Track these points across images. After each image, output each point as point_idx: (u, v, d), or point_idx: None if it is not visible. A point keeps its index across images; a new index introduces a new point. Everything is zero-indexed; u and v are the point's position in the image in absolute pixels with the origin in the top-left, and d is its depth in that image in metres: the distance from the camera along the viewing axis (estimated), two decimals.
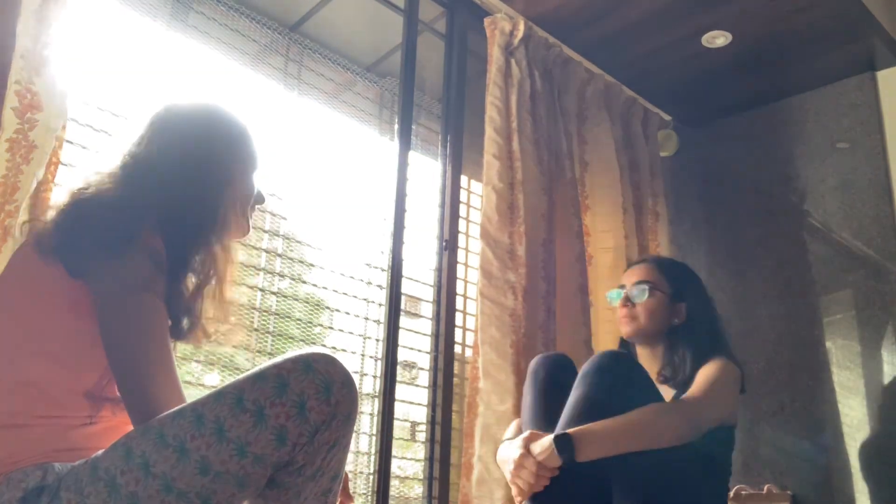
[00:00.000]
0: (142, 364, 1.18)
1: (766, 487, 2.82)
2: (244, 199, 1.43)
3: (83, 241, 1.20)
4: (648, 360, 2.08)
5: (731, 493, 2.80)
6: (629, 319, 2.08)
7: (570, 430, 1.67)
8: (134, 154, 1.33)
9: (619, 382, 1.76)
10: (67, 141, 1.80)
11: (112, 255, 1.19)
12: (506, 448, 1.82)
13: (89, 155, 1.87)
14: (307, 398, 1.11)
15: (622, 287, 2.14)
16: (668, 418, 1.73)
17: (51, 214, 1.27)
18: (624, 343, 2.20)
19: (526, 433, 1.76)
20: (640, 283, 2.09)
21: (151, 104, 1.42)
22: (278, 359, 1.14)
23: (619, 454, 1.67)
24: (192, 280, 1.32)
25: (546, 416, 1.83)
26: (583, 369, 1.80)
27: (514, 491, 1.75)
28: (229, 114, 1.44)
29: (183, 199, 1.30)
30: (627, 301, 2.09)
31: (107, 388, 1.24)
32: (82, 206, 1.24)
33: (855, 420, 2.82)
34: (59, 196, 1.33)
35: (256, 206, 1.48)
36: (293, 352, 1.16)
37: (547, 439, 1.68)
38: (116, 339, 1.18)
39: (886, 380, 2.82)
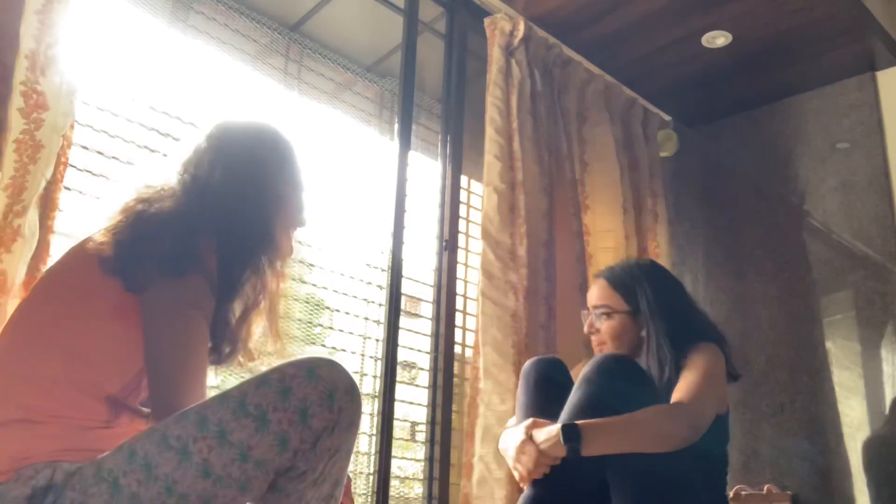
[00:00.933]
0: (177, 377, 1.19)
1: (766, 487, 2.82)
2: (292, 221, 1.46)
3: (146, 260, 1.22)
4: None
5: (731, 493, 2.80)
6: (599, 347, 2.02)
7: (578, 422, 1.66)
8: (193, 174, 1.34)
9: (621, 384, 1.73)
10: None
11: (172, 273, 1.21)
12: (508, 434, 1.82)
13: (92, 157, 1.87)
14: (310, 405, 1.11)
15: (587, 310, 2.07)
16: (670, 423, 1.70)
17: (108, 226, 1.27)
18: None
19: (528, 421, 1.75)
20: (598, 307, 2.03)
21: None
22: (281, 364, 1.15)
23: (620, 453, 1.66)
24: (238, 305, 1.33)
25: (541, 414, 1.81)
26: (584, 371, 1.78)
27: (516, 476, 1.75)
28: (282, 135, 1.47)
29: (239, 221, 1.32)
30: (592, 328, 2.03)
31: (130, 397, 1.25)
32: (145, 225, 1.25)
33: (855, 420, 2.83)
34: (111, 208, 1.32)
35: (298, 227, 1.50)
36: (297, 357, 1.16)
37: (554, 427, 1.67)
38: (158, 350, 1.20)
39: (886, 380, 2.82)
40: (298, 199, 1.48)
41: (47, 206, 1.62)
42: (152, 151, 1.98)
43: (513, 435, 1.77)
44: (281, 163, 1.44)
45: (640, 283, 2.01)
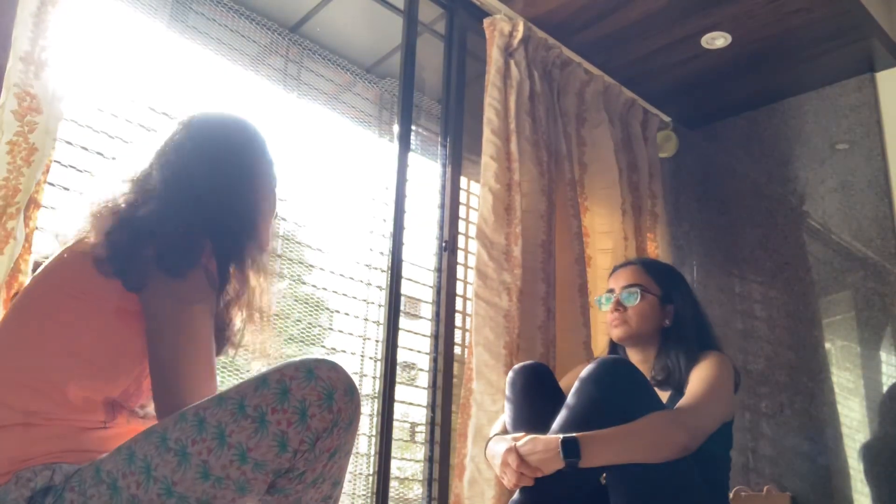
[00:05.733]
0: (186, 376, 1.19)
1: (765, 488, 2.82)
2: (271, 212, 1.46)
3: (146, 262, 1.21)
4: (639, 363, 2.06)
5: (731, 494, 2.80)
6: (621, 323, 2.06)
7: (577, 434, 1.66)
8: (176, 171, 1.33)
9: (619, 389, 1.74)
10: (67, 142, 1.80)
11: (173, 274, 1.21)
12: (494, 443, 1.84)
13: (90, 157, 1.87)
14: (309, 405, 1.10)
15: (611, 291, 2.12)
16: (671, 432, 1.69)
17: (98, 227, 1.26)
18: (614, 346, 2.17)
19: (519, 434, 1.76)
20: (630, 286, 2.08)
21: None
22: (281, 364, 1.15)
23: (618, 463, 1.66)
24: (226, 294, 1.34)
25: (530, 423, 1.83)
26: (581, 376, 1.77)
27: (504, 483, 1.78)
28: (256, 127, 1.47)
29: (228, 216, 1.32)
30: (619, 305, 2.07)
31: (131, 398, 1.26)
32: (140, 226, 1.25)
33: (854, 421, 2.83)
34: (94, 206, 1.31)
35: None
36: (296, 357, 1.16)
37: (552, 439, 1.67)
38: (164, 349, 1.20)
39: (886, 381, 2.82)
40: (275, 191, 1.48)
41: (29, 205, 1.61)
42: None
43: (500, 445, 1.79)
44: (260, 154, 1.44)
45: (675, 278, 2.14)
